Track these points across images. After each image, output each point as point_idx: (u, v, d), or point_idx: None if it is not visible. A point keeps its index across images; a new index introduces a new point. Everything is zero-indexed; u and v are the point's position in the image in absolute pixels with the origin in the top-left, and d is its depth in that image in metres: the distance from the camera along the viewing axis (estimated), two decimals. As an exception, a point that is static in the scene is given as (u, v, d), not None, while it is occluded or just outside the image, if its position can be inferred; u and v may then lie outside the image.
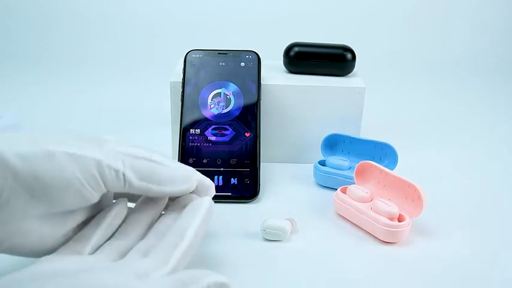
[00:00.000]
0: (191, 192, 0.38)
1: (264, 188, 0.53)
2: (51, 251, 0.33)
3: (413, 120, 0.76)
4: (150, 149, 0.36)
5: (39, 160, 0.30)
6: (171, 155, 0.58)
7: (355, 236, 0.45)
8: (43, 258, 0.32)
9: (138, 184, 0.34)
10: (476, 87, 0.94)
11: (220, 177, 0.51)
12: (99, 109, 0.75)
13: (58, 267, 0.30)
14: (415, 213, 0.44)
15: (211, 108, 0.54)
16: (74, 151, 0.31)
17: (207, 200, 0.36)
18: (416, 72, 1.01)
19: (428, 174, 0.57)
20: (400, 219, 0.44)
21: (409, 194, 0.45)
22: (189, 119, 0.53)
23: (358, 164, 0.49)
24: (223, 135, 0.53)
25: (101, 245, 0.33)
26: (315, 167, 0.54)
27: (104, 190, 0.33)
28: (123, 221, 0.36)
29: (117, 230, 0.35)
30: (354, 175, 0.50)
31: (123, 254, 0.33)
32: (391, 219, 0.43)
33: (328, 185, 0.53)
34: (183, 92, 0.54)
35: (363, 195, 0.46)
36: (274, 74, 0.59)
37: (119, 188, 0.34)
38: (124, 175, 0.33)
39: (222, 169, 0.51)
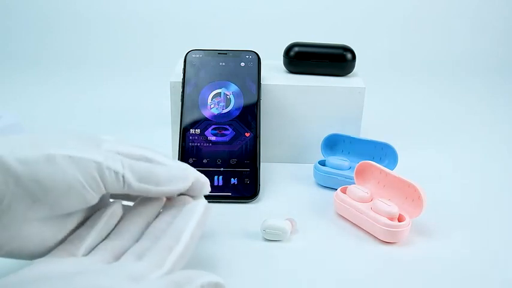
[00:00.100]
0: (187, 193, 0.38)
1: (264, 188, 0.53)
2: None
3: (413, 120, 0.76)
4: (147, 147, 0.37)
5: (40, 164, 0.30)
6: (171, 155, 0.58)
7: (355, 236, 0.45)
8: (37, 260, 0.32)
9: (137, 186, 0.34)
10: (476, 87, 0.94)
11: (220, 177, 0.51)
12: (99, 109, 0.75)
13: (52, 270, 0.30)
14: (415, 213, 0.44)
15: (211, 108, 0.54)
16: (74, 154, 0.32)
17: (203, 202, 0.36)
18: (416, 72, 1.01)
19: (428, 174, 0.57)
20: (400, 219, 0.44)
21: (409, 194, 0.45)
22: (189, 119, 0.53)
23: (358, 164, 0.49)
24: (223, 135, 0.53)
25: (96, 246, 0.33)
26: (315, 167, 0.54)
27: (104, 191, 0.33)
28: (119, 222, 0.35)
29: (112, 231, 0.35)
30: (354, 175, 0.50)
31: (118, 256, 0.32)
32: (391, 219, 0.43)
33: (328, 185, 0.53)
34: (183, 92, 0.54)
35: (363, 195, 0.46)
36: (274, 74, 0.59)
37: (118, 189, 0.34)
38: (123, 177, 0.33)
39: (222, 169, 0.51)
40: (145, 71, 0.95)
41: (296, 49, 0.58)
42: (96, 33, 1.07)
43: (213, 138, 0.53)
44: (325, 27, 1.09)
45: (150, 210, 0.36)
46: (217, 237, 0.44)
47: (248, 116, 0.53)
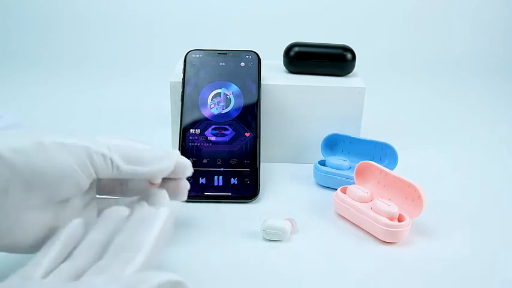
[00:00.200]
0: (171, 176, 0.39)
1: (264, 188, 0.53)
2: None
3: (413, 120, 0.76)
4: (127, 136, 0.38)
5: (32, 152, 0.32)
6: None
7: (355, 236, 0.45)
8: None
9: (125, 168, 0.36)
10: (476, 87, 0.94)
11: (220, 177, 0.51)
12: (99, 109, 0.75)
13: None
14: (415, 213, 0.44)
15: (211, 108, 0.54)
16: (64, 140, 0.34)
17: (165, 210, 0.34)
18: (416, 72, 1.01)
19: (428, 174, 0.57)
20: (400, 219, 0.44)
21: (409, 194, 0.45)
22: (189, 119, 0.53)
23: (358, 164, 0.49)
24: (223, 135, 0.53)
25: (56, 268, 0.31)
26: (315, 167, 0.54)
27: (94, 176, 0.35)
28: (81, 240, 0.34)
29: (73, 250, 0.33)
30: (354, 175, 0.50)
31: (79, 276, 0.31)
32: (391, 219, 0.43)
33: (328, 185, 0.53)
34: (183, 92, 0.54)
35: (363, 195, 0.46)
36: (274, 74, 0.59)
37: (108, 173, 0.35)
38: (111, 160, 0.35)
39: (222, 169, 0.51)
40: (145, 71, 0.95)
41: (296, 49, 0.58)
42: (96, 33, 1.07)
43: (213, 138, 0.53)
44: (325, 27, 1.09)
45: (112, 225, 0.35)
46: (217, 237, 0.44)
47: (248, 116, 0.54)
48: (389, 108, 0.81)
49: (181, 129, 0.53)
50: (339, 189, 0.48)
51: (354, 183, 0.50)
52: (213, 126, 0.53)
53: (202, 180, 0.50)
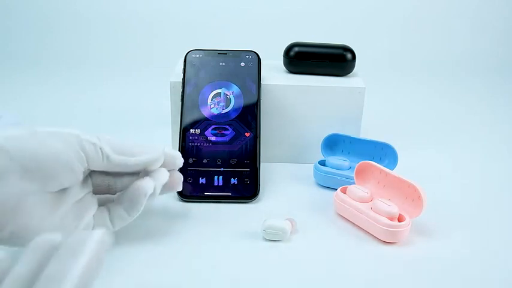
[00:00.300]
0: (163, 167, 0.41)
1: (264, 188, 0.53)
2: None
3: (413, 120, 0.76)
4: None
5: (25, 138, 0.34)
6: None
7: (355, 236, 0.45)
8: None
9: (115, 158, 0.38)
10: (476, 87, 0.94)
11: (220, 177, 0.51)
12: (99, 109, 0.75)
13: None
14: (415, 213, 0.44)
15: (211, 108, 0.54)
16: (54, 129, 0.36)
17: (97, 233, 0.29)
18: (416, 72, 1.01)
19: (428, 174, 0.57)
20: (400, 219, 0.44)
21: (409, 194, 0.45)
22: (189, 119, 0.53)
23: (358, 164, 0.49)
24: (223, 135, 0.53)
25: None
26: (315, 167, 0.54)
27: (86, 164, 0.37)
28: (3, 278, 0.29)
29: None
30: (354, 175, 0.50)
31: None
32: (391, 219, 0.43)
33: (328, 185, 0.53)
34: (183, 92, 0.54)
35: (363, 195, 0.46)
36: (274, 74, 0.59)
37: (98, 162, 0.37)
38: (101, 149, 0.37)
39: (222, 169, 0.51)
40: (145, 71, 0.95)
41: (296, 49, 0.58)
42: (96, 33, 1.07)
43: (213, 138, 0.52)
44: (325, 27, 1.09)
45: (38, 257, 0.30)
46: (217, 237, 0.44)
47: (248, 116, 0.53)
48: (389, 108, 0.81)
49: (181, 129, 0.53)
50: (339, 189, 0.48)
51: (354, 183, 0.50)
52: (213, 126, 0.53)
53: (202, 180, 0.50)
